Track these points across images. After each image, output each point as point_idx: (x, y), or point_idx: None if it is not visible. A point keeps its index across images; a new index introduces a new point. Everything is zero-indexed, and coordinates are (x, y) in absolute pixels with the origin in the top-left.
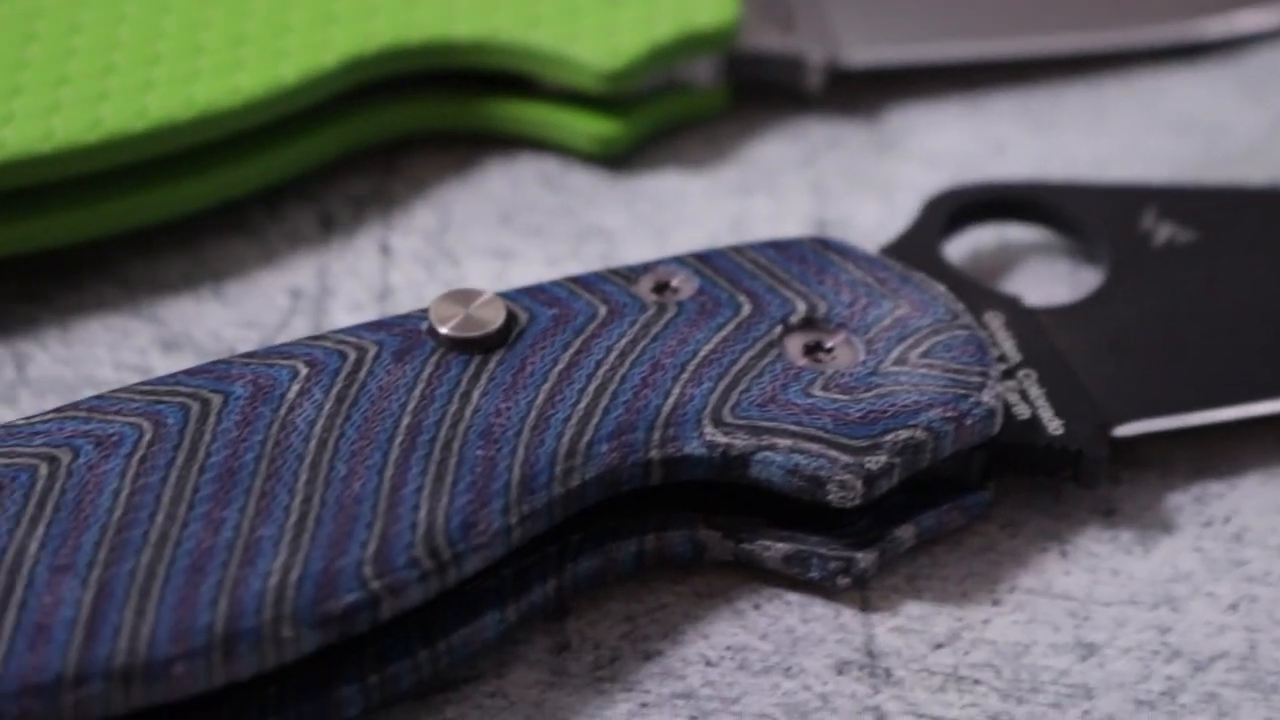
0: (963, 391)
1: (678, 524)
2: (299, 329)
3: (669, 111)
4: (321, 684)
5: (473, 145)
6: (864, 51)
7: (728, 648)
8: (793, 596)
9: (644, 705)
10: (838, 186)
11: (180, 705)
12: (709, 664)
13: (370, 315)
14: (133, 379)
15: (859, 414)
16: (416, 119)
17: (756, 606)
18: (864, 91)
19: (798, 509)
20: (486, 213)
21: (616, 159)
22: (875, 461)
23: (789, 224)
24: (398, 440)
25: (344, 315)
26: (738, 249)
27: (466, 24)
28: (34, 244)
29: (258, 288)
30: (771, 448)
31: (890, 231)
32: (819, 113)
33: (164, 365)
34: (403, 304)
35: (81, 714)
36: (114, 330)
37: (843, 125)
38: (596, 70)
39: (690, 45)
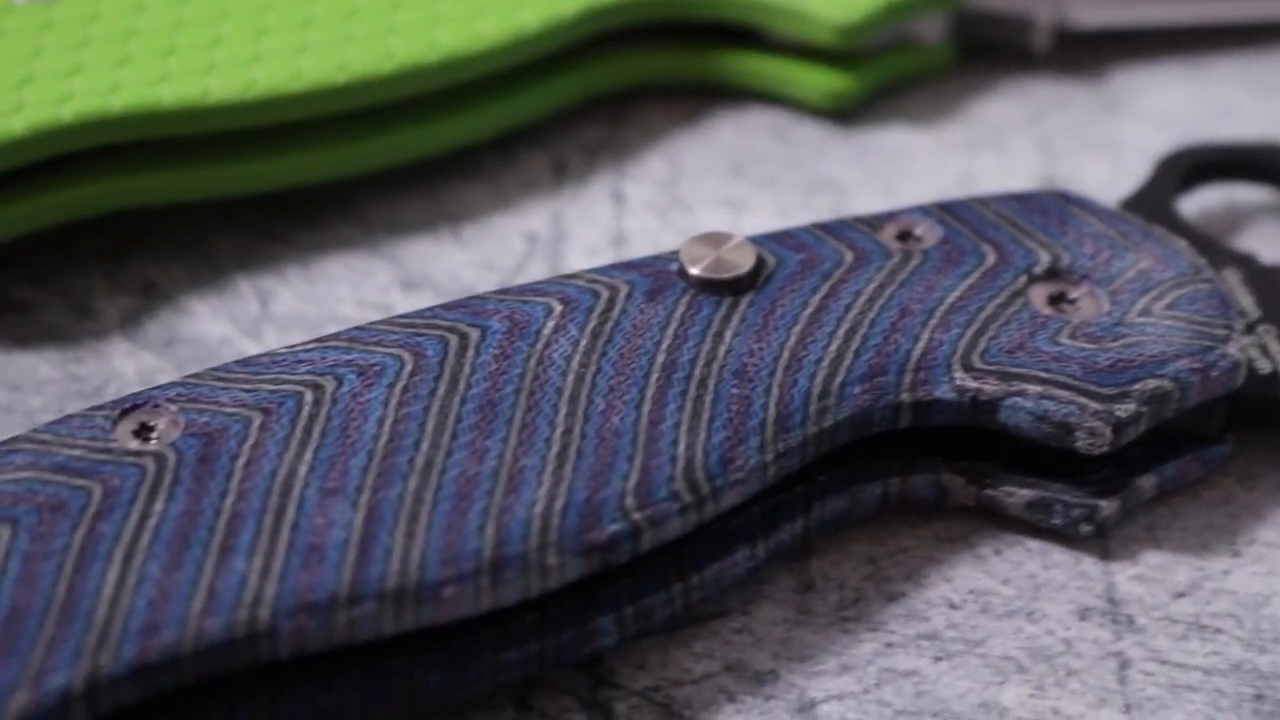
0: (1208, 344)
1: (922, 468)
2: (536, 272)
3: (897, 67)
4: (578, 614)
5: (702, 97)
6: (1091, 13)
7: (970, 591)
8: (1033, 543)
9: (889, 645)
10: (1064, 145)
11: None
12: (952, 606)
13: (606, 260)
14: (375, 316)
15: (1107, 362)
16: (647, 70)
17: (997, 552)
18: (1089, 52)
19: (1032, 458)
20: (717, 163)
21: (845, 113)
22: (1125, 410)
23: (1016, 182)
24: (653, 377)
25: (579, 259)
26: (980, 200)
27: None
28: (277, 183)
29: (494, 231)
30: (1021, 393)
31: (1118, 191)
32: (1044, 72)
33: (405, 304)
34: (637, 250)
35: (353, 633)
36: (355, 269)
37: (1068, 85)
38: (832, 24)
39: (923, 2)
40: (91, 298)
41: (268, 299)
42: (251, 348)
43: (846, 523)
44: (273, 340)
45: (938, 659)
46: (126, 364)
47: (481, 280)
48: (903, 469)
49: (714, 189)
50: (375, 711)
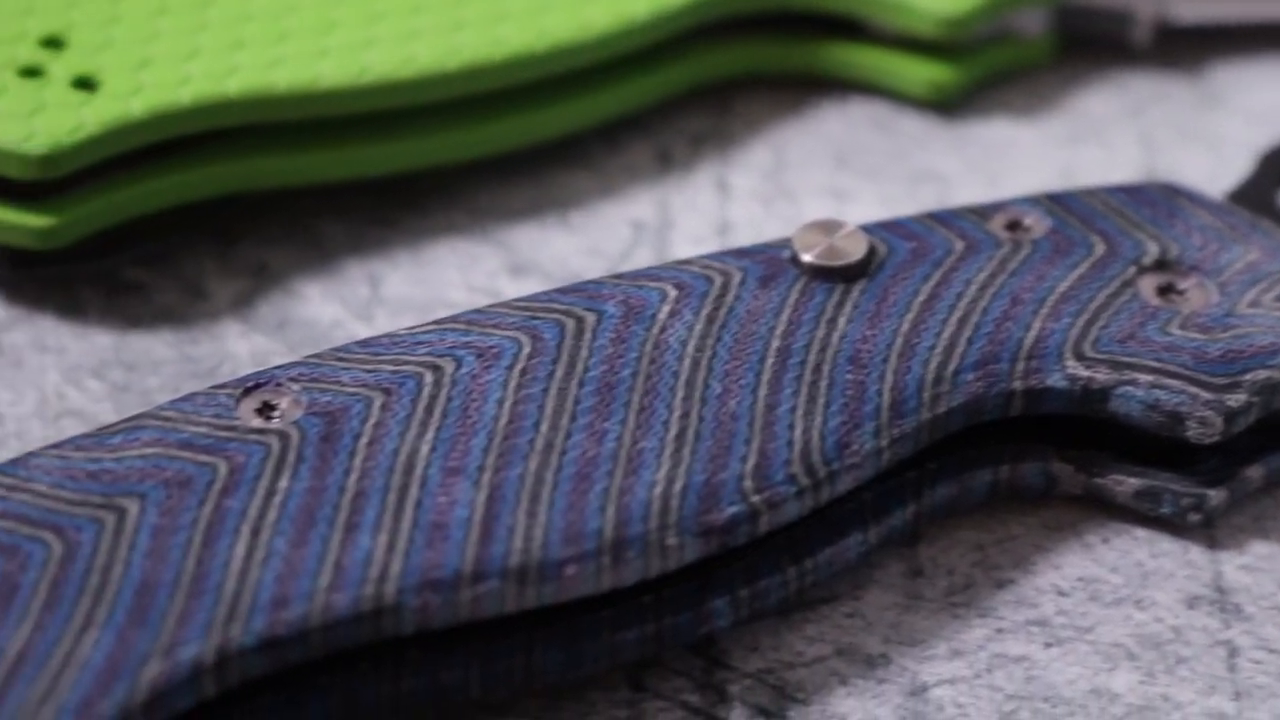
0: None
1: (1031, 456)
2: (643, 259)
3: (998, 60)
4: (694, 596)
5: (804, 88)
6: (1191, 7)
7: (1079, 579)
8: (1140, 532)
9: (999, 631)
10: (1165, 139)
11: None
12: (1061, 594)
13: (712, 248)
14: (484, 301)
15: (1218, 353)
16: (751, 60)
17: (1105, 540)
18: (1188, 47)
19: (1136, 447)
20: (821, 153)
21: (947, 105)
22: (1236, 399)
23: (1118, 175)
24: (769, 362)
25: (686, 247)
26: (1088, 191)
27: None
28: (385, 169)
29: (600, 218)
30: (1133, 382)
31: (1218, 185)
32: (1144, 67)
33: (513, 289)
34: (742, 239)
35: (477, 610)
36: (462, 254)
37: (1168, 79)
38: (936, 16)
39: None
40: (204, 280)
41: (378, 282)
42: (363, 330)
43: (956, 509)
44: (384, 323)
45: (1048, 645)
46: (240, 345)
47: (589, 266)
48: (1012, 457)
49: (818, 179)
50: (494, 689)
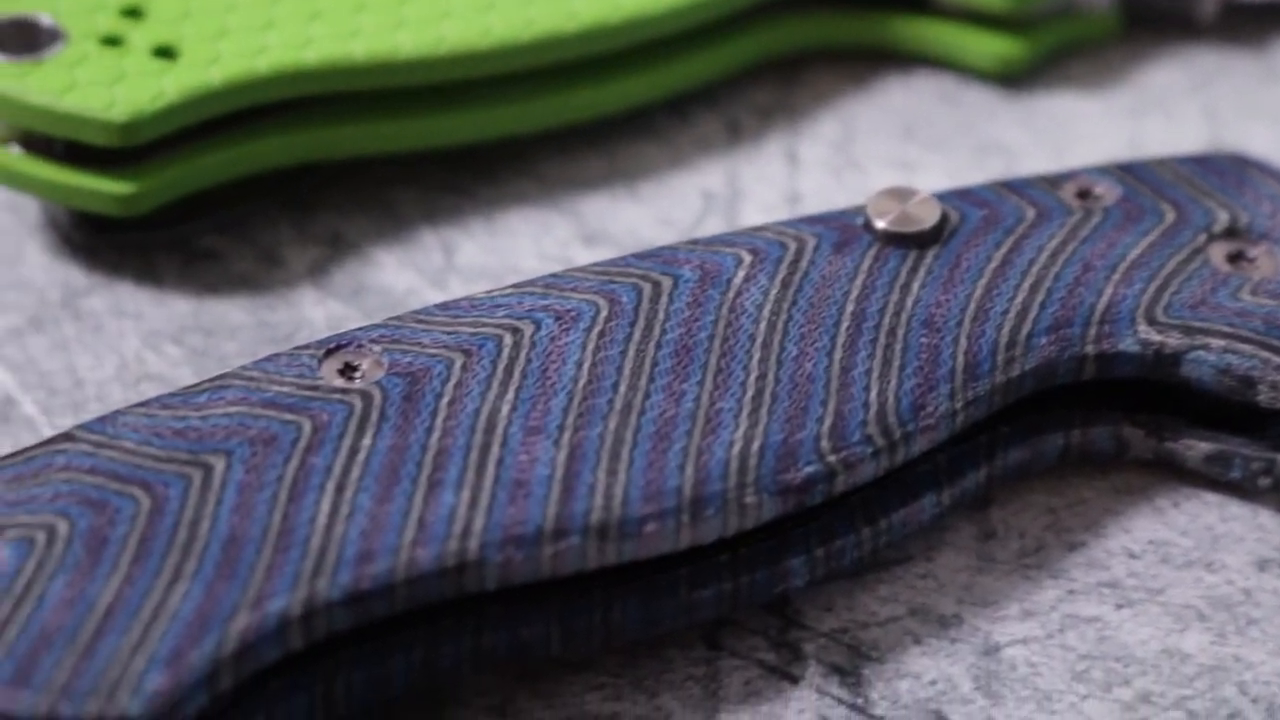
0: None
1: (1102, 421)
2: (714, 228)
3: (1065, 34)
4: (770, 555)
5: (870, 61)
6: None
7: (1149, 542)
8: (1210, 496)
9: (1071, 592)
10: (1229, 113)
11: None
12: (1132, 556)
13: (782, 217)
14: (557, 269)
15: None
16: (818, 34)
17: (1175, 504)
18: (1253, 22)
19: (1206, 412)
20: (888, 126)
21: (1012, 79)
22: None
23: (1184, 147)
24: (844, 325)
25: (756, 217)
26: (1158, 161)
27: None
28: (458, 139)
29: (670, 189)
30: (1205, 347)
31: None
32: (1208, 42)
33: (585, 257)
34: (812, 209)
35: (558, 566)
36: (534, 223)
37: (1232, 54)
38: None
39: None
40: (279, 248)
41: (452, 250)
42: (437, 297)
43: (1027, 473)
44: (458, 290)
45: (1119, 606)
46: (316, 311)
47: (660, 236)
48: (1083, 421)
49: (886, 150)
50: (574, 645)
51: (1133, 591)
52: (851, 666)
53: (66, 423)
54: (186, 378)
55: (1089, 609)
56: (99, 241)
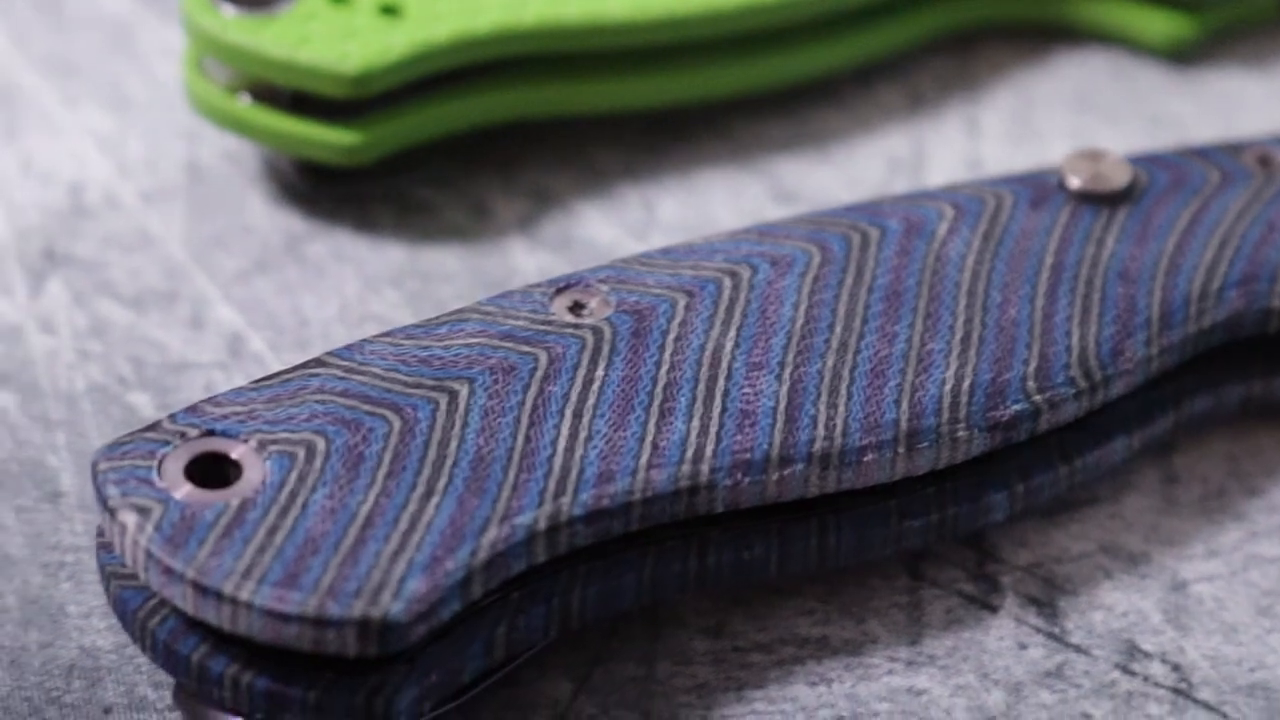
0: None
1: None
2: (901, 189)
3: (1232, 14)
4: (974, 489)
5: (1043, 37)
6: None
7: None
8: None
9: (1253, 534)
10: None
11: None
12: None
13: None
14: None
15: None
16: (994, 10)
17: None
18: None
19: None
20: (1064, 98)
21: (1182, 57)
22: None
23: None
24: (1044, 276)
25: (941, 180)
26: None
27: None
28: (656, 101)
29: (857, 153)
30: None
31: None
32: None
33: (779, 214)
34: (993, 174)
35: (782, 491)
36: (729, 182)
37: None
38: None
39: None
40: (488, 201)
41: (652, 206)
42: (638, 247)
43: (1210, 421)
44: (660, 243)
45: None
46: (527, 260)
47: (849, 196)
48: (1264, 372)
49: (1062, 122)
50: (790, 568)
51: None
52: (1047, 598)
53: (293, 358)
54: (406, 318)
55: (1272, 549)
56: (318, 191)
